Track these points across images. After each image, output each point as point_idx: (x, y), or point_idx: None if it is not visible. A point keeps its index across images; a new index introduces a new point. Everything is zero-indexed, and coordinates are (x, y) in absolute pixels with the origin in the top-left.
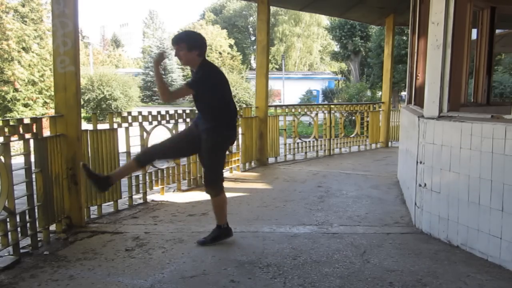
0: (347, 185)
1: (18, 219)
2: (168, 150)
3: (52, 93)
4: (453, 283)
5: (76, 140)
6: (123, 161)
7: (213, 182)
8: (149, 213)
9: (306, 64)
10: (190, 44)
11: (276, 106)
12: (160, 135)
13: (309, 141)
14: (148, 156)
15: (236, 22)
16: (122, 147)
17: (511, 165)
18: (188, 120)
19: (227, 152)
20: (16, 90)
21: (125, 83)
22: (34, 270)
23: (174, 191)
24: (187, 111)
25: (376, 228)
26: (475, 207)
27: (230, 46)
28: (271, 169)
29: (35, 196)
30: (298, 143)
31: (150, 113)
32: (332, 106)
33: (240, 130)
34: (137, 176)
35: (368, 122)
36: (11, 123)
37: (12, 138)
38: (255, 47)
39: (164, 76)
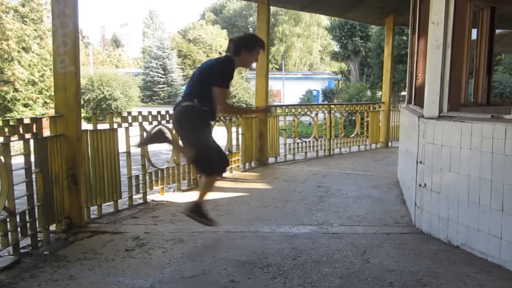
0: (347, 185)
1: (18, 219)
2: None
3: (52, 93)
4: (453, 283)
5: (76, 140)
6: (123, 161)
7: None
8: (149, 213)
9: (306, 64)
10: None
11: (276, 106)
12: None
13: (309, 141)
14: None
15: (236, 22)
16: (122, 147)
17: (511, 165)
18: None
19: None
20: (16, 90)
21: (125, 83)
22: (34, 270)
23: (174, 191)
24: None
25: (376, 228)
26: (475, 207)
27: None
28: (271, 169)
29: (35, 196)
30: (298, 143)
31: (150, 113)
32: (332, 106)
33: (240, 130)
34: (137, 176)
35: (368, 122)
36: (11, 123)
37: (12, 138)
38: None
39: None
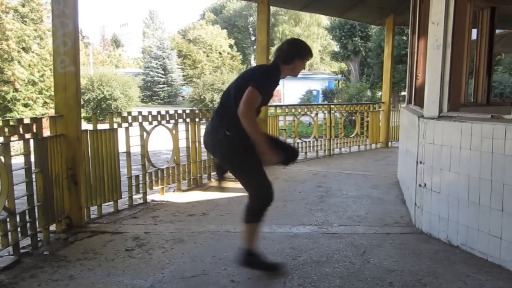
0: (347, 185)
1: (18, 219)
2: None
3: (52, 93)
4: (453, 283)
5: (76, 140)
6: (123, 161)
7: None
8: (149, 213)
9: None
10: None
11: (276, 106)
12: (160, 135)
13: (309, 141)
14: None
15: (236, 22)
16: (122, 147)
17: (511, 165)
18: (188, 120)
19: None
20: (16, 90)
21: (125, 83)
22: (34, 270)
23: (174, 191)
24: (187, 111)
25: (376, 228)
26: (475, 207)
27: (230, 46)
28: (271, 169)
29: (35, 196)
30: (298, 143)
31: (150, 113)
32: (332, 106)
33: None
34: (137, 176)
35: (368, 122)
36: (11, 123)
37: (12, 138)
38: (255, 47)
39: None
